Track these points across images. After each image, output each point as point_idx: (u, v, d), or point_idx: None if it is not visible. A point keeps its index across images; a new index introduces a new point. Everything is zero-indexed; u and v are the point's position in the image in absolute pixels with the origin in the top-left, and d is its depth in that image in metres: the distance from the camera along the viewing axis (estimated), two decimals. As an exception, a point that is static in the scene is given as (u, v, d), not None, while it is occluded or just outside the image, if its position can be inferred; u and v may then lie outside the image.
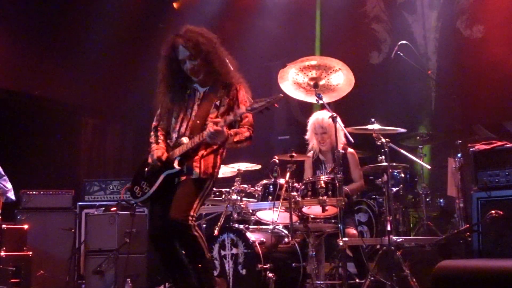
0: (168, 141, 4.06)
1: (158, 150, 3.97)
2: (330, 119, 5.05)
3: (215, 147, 3.96)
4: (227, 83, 4.01)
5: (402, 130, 5.34)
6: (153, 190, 3.95)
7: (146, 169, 4.03)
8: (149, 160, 4.01)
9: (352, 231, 5.07)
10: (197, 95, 4.06)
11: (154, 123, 4.19)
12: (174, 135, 4.02)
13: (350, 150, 5.50)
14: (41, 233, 6.89)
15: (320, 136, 5.54)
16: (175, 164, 3.89)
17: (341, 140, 5.29)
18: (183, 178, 3.91)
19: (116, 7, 7.99)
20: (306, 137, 5.68)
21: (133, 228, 6.51)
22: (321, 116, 5.54)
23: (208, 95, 4.04)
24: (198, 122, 3.93)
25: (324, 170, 5.51)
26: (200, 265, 3.85)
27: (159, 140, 4.06)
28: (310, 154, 5.66)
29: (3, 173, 6.34)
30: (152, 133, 4.13)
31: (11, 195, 6.33)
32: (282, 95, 3.78)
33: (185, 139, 3.91)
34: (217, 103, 3.97)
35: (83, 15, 8.13)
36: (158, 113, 4.20)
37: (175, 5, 6.04)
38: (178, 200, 3.83)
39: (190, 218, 3.79)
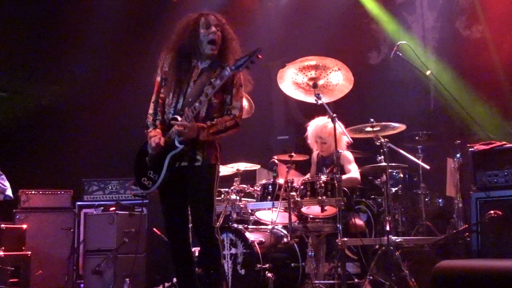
0: (165, 116, 3.96)
1: (155, 137, 3.86)
2: (329, 129, 5.09)
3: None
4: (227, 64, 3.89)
5: (396, 124, 5.33)
6: (163, 176, 3.84)
7: (147, 158, 3.94)
8: (149, 150, 3.92)
9: (359, 221, 5.07)
10: (195, 71, 3.96)
11: (153, 98, 4.05)
12: (171, 111, 3.92)
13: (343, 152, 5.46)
14: (40, 233, 6.89)
15: (320, 145, 5.55)
16: (176, 143, 3.80)
17: (343, 145, 5.30)
18: (185, 164, 3.83)
19: (115, 5, 7.98)
20: (308, 141, 5.66)
21: (132, 228, 6.52)
22: (320, 126, 5.51)
23: (205, 72, 3.94)
24: (190, 100, 3.84)
25: (324, 172, 5.51)
26: (212, 270, 3.80)
27: (156, 123, 3.96)
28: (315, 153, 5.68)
29: (1, 172, 6.34)
30: (150, 111, 4.02)
31: (9, 193, 6.32)
32: (260, 47, 3.71)
33: (179, 118, 3.81)
34: (213, 80, 3.81)
35: (81, 13, 8.11)
36: (157, 85, 4.05)
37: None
38: (197, 207, 3.81)
39: (214, 220, 3.79)
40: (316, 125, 5.56)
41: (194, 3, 7.46)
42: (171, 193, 3.91)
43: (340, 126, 4.85)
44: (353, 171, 5.43)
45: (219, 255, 3.81)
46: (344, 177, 5.38)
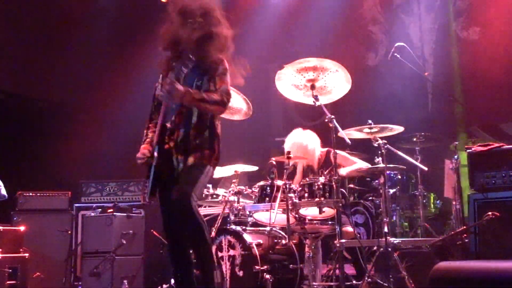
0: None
1: (140, 151, 3.94)
2: (301, 149, 5.34)
3: (204, 134, 3.87)
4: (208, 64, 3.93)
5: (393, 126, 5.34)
6: (150, 185, 3.88)
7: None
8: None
9: (349, 229, 5.08)
10: (181, 76, 3.96)
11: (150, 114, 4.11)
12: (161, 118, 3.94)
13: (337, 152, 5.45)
14: (37, 235, 6.87)
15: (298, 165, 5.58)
16: (154, 153, 3.85)
17: (316, 155, 5.39)
18: (180, 169, 3.87)
19: (110, 7, 7.98)
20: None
21: (130, 229, 6.52)
22: (290, 147, 5.50)
23: (189, 75, 3.95)
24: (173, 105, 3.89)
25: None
26: (201, 250, 3.79)
27: (147, 139, 4.01)
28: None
29: None
30: (145, 129, 4.08)
31: (4, 192, 6.29)
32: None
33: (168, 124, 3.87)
34: (198, 83, 3.88)
35: (78, 15, 8.12)
36: (152, 105, 4.10)
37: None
38: (179, 184, 3.79)
39: (191, 198, 3.74)
40: (292, 144, 5.57)
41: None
42: (168, 196, 3.92)
43: (337, 128, 4.84)
44: (359, 162, 5.45)
45: (203, 233, 3.74)
46: (348, 168, 5.39)
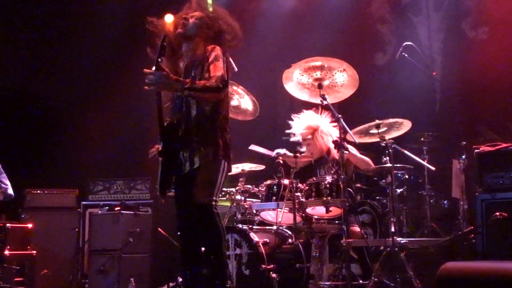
0: None
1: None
2: (303, 127, 5.31)
3: (205, 127, 3.83)
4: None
5: (401, 120, 5.32)
6: (159, 182, 3.89)
7: None
8: None
9: (357, 229, 5.07)
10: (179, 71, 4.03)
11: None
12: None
13: (346, 152, 5.43)
14: (45, 232, 6.90)
15: (307, 148, 5.53)
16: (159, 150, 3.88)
17: (329, 144, 5.31)
18: (188, 169, 3.86)
19: (116, 5, 8.00)
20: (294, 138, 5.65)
21: (137, 227, 6.53)
22: (300, 128, 5.49)
23: (186, 69, 4.00)
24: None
25: (324, 171, 5.50)
26: (213, 257, 3.77)
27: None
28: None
29: (2, 171, 6.33)
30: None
31: (10, 191, 6.32)
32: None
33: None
34: (193, 74, 3.89)
35: (85, 12, 8.14)
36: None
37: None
38: (197, 189, 3.76)
39: (212, 207, 3.74)
40: (297, 127, 5.53)
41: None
42: (182, 195, 3.92)
43: (345, 127, 4.83)
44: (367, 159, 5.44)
45: (219, 240, 3.75)
46: (361, 156, 5.38)
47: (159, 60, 3.69)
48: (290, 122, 5.58)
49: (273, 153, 5.36)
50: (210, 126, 3.86)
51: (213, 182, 3.78)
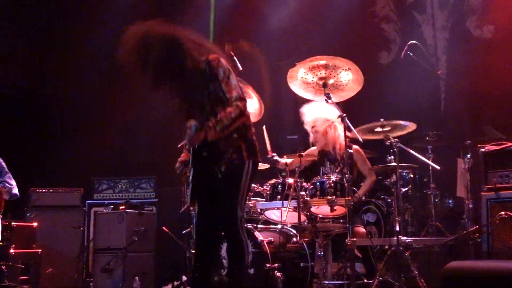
0: None
1: (179, 159, 4.04)
2: (319, 115, 5.21)
3: (231, 136, 3.75)
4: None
5: (405, 123, 5.30)
6: (189, 194, 3.87)
7: None
8: None
9: (361, 229, 5.06)
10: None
11: None
12: None
13: (354, 147, 5.44)
14: (50, 231, 6.93)
15: (313, 134, 5.52)
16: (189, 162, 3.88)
17: (341, 141, 5.28)
18: (216, 178, 3.77)
19: (123, 5, 8.00)
20: (305, 126, 5.63)
21: (141, 226, 6.55)
22: (308, 112, 5.48)
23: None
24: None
25: (329, 169, 5.49)
26: (235, 268, 3.77)
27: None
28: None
29: (7, 170, 6.36)
30: None
31: (16, 191, 6.34)
32: None
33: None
34: (207, 92, 3.78)
35: (91, 11, 8.15)
36: None
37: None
38: (221, 199, 3.76)
39: (237, 219, 3.72)
40: (304, 112, 5.51)
41: (207, 2, 7.49)
42: (205, 204, 3.89)
43: (349, 126, 4.83)
44: (368, 172, 5.42)
45: (243, 253, 3.71)
46: (364, 188, 5.37)
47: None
48: (306, 107, 5.55)
49: (272, 154, 5.35)
50: (235, 133, 3.79)
51: (236, 190, 3.74)
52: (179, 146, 3.99)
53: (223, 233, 3.81)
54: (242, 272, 3.77)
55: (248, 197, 5.41)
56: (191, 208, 3.92)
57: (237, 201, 3.73)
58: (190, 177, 3.88)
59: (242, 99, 3.76)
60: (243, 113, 3.75)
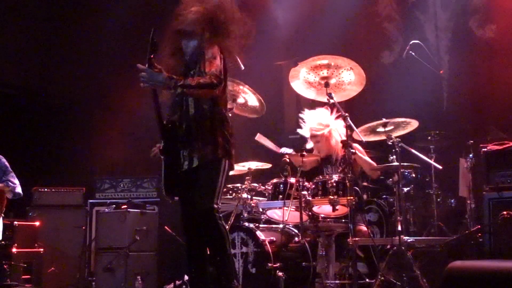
0: None
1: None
2: (322, 127, 5.08)
3: (205, 125, 3.80)
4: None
5: (408, 119, 5.29)
6: (163, 182, 3.88)
7: None
8: None
9: (364, 228, 5.06)
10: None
11: None
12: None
13: (354, 145, 5.42)
14: (52, 230, 6.94)
15: (314, 144, 5.52)
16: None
17: (338, 145, 5.28)
18: (186, 167, 3.82)
19: (125, 3, 8.01)
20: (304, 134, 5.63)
21: (144, 225, 6.55)
22: (313, 124, 5.47)
23: (186, 68, 3.96)
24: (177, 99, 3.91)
25: (331, 170, 5.49)
26: (218, 258, 3.77)
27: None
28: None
29: (10, 169, 6.36)
30: None
31: (19, 190, 6.34)
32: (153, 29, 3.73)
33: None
34: (192, 72, 3.85)
35: (93, 8, 8.15)
36: None
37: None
38: (198, 192, 3.77)
39: (214, 211, 3.73)
40: (310, 124, 5.50)
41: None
42: (184, 194, 3.91)
43: (351, 125, 4.83)
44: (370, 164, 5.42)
45: (223, 242, 3.74)
46: (366, 158, 5.36)
47: (151, 56, 3.69)
48: (302, 115, 5.56)
49: (280, 150, 5.36)
50: (209, 124, 3.83)
51: (214, 185, 3.77)
52: (151, 156, 4.01)
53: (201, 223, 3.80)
54: (225, 260, 3.77)
55: (251, 197, 5.43)
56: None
57: (214, 194, 3.74)
58: (162, 167, 3.86)
59: (219, 77, 3.74)
60: (213, 86, 3.70)
